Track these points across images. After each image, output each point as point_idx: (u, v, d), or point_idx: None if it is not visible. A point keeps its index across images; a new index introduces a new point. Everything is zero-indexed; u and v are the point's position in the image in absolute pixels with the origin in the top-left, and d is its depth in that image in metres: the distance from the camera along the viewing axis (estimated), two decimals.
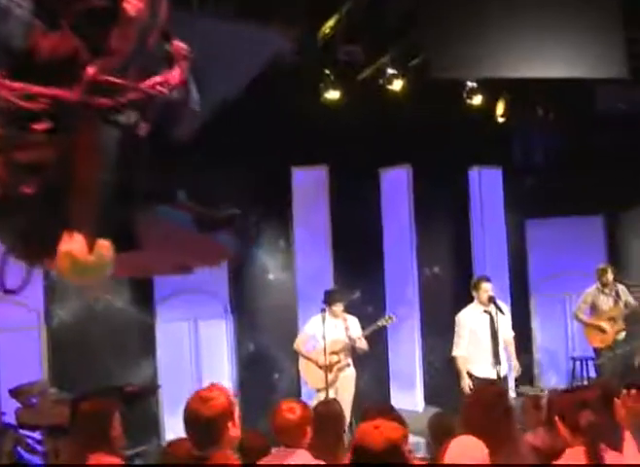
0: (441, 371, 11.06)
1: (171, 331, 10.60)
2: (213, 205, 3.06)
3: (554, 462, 3.99)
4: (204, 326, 10.91)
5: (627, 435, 3.65)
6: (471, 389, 8.47)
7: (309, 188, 11.03)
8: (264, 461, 4.60)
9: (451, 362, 9.35)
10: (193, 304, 10.74)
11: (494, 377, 8.76)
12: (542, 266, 12.58)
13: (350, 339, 9.32)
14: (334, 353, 9.28)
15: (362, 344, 9.46)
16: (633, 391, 3.64)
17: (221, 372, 10.97)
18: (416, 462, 4.44)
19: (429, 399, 11.12)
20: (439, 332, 10.71)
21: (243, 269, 11.17)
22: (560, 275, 12.35)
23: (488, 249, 11.71)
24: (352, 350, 9.46)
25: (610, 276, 10.60)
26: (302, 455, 4.49)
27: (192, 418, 3.66)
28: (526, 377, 11.86)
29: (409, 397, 11.00)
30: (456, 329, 9.20)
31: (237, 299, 11.14)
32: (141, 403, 9.07)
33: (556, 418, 4.03)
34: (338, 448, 5.12)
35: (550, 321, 12.60)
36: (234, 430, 3.69)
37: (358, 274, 11.34)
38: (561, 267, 12.37)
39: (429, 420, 5.98)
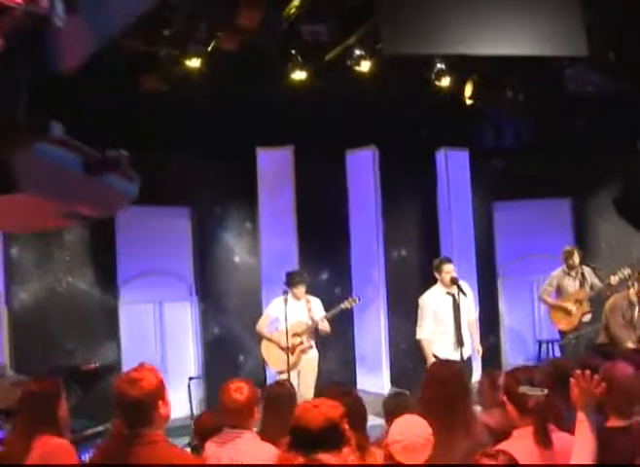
0: (407, 353, 11.05)
1: (135, 313, 10.56)
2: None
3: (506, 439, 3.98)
4: (169, 308, 10.88)
5: (581, 416, 3.62)
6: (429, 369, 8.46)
7: (274, 169, 10.95)
8: (210, 442, 4.54)
9: (417, 344, 9.34)
10: (157, 286, 10.72)
11: (458, 358, 8.75)
12: (509, 248, 12.58)
13: (313, 320, 9.27)
14: (296, 335, 9.23)
15: (324, 326, 9.41)
16: (587, 371, 3.60)
17: (186, 354, 10.95)
18: (372, 444, 4.41)
19: (395, 381, 11.09)
20: (405, 314, 10.67)
21: (209, 252, 11.12)
22: (527, 258, 12.36)
23: (455, 231, 11.67)
24: (315, 332, 9.41)
25: (576, 259, 10.60)
26: (251, 437, 4.44)
27: (121, 400, 3.66)
28: (493, 359, 11.91)
29: (375, 379, 10.98)
30: (419, 312, 9.18)
31: (203, 281, 11.10)
32: (101, 381, 8.98)
33: (504, 398, 4.01)
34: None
35: (516, 304, 12.61)
36: (165, 409, 3.69)
37: (324, 256, 11.32)
38: (528, 249, 12.38)
39: (384, 400, 5.96)
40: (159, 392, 3.67)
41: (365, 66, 10.05)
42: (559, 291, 10.64)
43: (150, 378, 3.65)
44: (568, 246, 10.96)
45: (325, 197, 11.06)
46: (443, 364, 5.27)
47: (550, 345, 11.34)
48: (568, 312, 10.44)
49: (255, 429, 4.66)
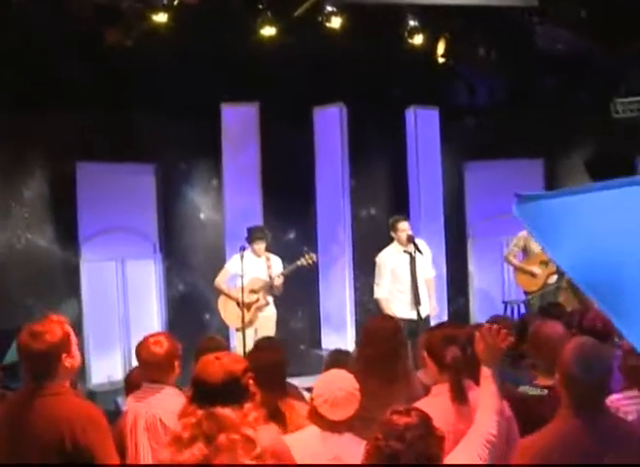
0: (373, 311, 10.93)
1: (97, 271, 10.41)
2: None
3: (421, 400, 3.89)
4: (132, 266, 10.73)
5: (485, 371, 3.53)
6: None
7: (239, 126, 10.76)
8: (130, 397, 4.42)
9: (375, 303, 9.27)
10: (120, 243, 10.57)
11: (415, 317, 8.68)
12: (479, 209, 12.48)
13: (270, 278, 9.15)
14: (253, 292, 9.12)
15: (278, 283, 9.31)
16: (494, 326, 3.52)
17: (149, 312, 10.84)
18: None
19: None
20: (371, 273, 10.58)
21: (173, 209, 10.97)
22: (497, 218, 12.22)
23: (424, 191, 11.54)
24: (274, 289, 9.31)
25: None
26: (171, 392, 4.33)
27: (24, 353, 3.62)
28: (461, 320, 11.86)
29: (341, 338, 10.90)
30: (377, 270, 9.11)
31: (167, 238, 10.97)
32: None
33: (425, 354, 3.92)
34: None
35: (486, 264, 12.54)
36: (70, 361, 3.64)
37: (289, 214, 11.19)
38: (499, 210, 12.22)
39: (325, 358, 5.90)
40: (63, 345, 3.61)
41: (335, 22, 9.86)
42: (525, 252, 10.55)
43: (54, 331, 3.59)
44: None
45: (291, 155, 10.88)
46: (380, 320, 5.15)
47: (516, 306, 11.25)
48: (533, 274, 10.35)
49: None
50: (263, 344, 5.03)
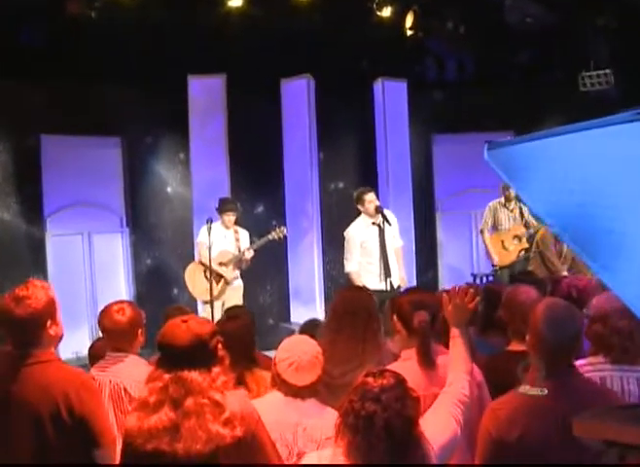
0: (342, 285, 10.93)
1: (63, 245, 10.28)
2: None
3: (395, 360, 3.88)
4: (99, 240, 10.62)
5: (454, 331, 3.53)
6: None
7: (206, 98, 10.65)
8: (94, 367, 4.37)
9: (346, 277, 9.24)
10: (86, 217, 10.46)
11: (385, 288, 8.67)
12: (447, 182, 12.50)
13: (239, 251, 9.10)
14: (222, 265, 9.06)
15: (249, 257, 9.26)
16: (462, 286, 3.51)
17: (117, 287, 10.74)
18: None
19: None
20: (340, 246, 10.55)
21: (140, 182, 10.87)
22: (466, 192, 12.28)
23: (392, 164, 11.52)
24: (241, 263, 9.25)
25: (513, 192, 10.54)
26: (135, 361, 4.27)
27: (6, 319, 3.49)
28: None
29: (310, 311, 10.81)
30: (345, 245, 9.07)
31: (134, 212, 10.87)
32: None
33: (395, 318, 3.90)
34: None
35: (454, 238, 12.57)
36: (55, 329, 3.55)
37: (257, 188, 11.13)
38: (467, 184, 12.29)
39: (300, 328, 5.87)
40: (48, 311, 3.51)
41: None
42: (494, 224, 10.59)
43: (38, 296, 3.48)
44: None
45: (258, 127, 10.80)
46: (352, 290, 5.11)
47: (485, 279, 11.28)
48: (505, 248, 10.41)
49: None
50: (231, 313, 4.98)
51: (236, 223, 9.37)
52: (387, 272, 8.74)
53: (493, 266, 10.60)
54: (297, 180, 11.18)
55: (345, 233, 9.09)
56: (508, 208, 10.58)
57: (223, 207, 9.24)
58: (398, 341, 4.02)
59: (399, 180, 11.53)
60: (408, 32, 11.23)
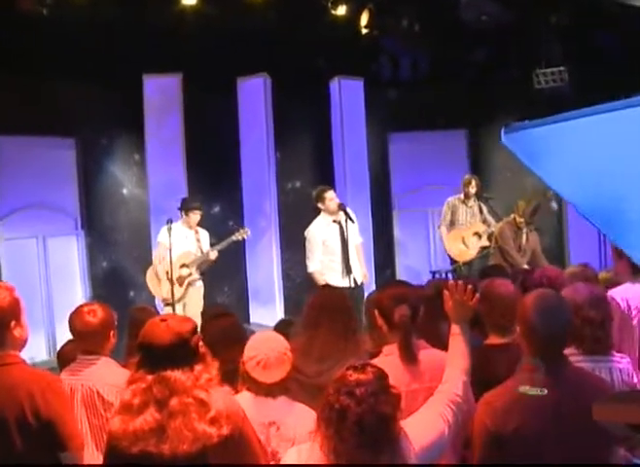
0: (301, 285, 10.91)
1: (17, 249, 10.03)
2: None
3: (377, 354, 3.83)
4: (53, 243, 10.40)
5: (455, 328, 3.49)
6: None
7: (162, 97, 10.50)
8: (64, 372, 4.24)
9: (309, 277, 9.18)
10: (40, 220, 10.22)
11: (347, 285, 8.65)
12: (404, 180, 12.52)
13: (202, 252, 8.98)
14: (184, 266, 8.94)
15: (213, 257, 9.15)
16: (461, 282, 3.48)
17: (73, 290, 10.55)
18: None
19: (289, 313, 10.95)
20: (299, 246, 10.48)
21: (95, 184, 10.68)
22: (423, 190, 12.32)
23: (349, 163, 11.50)
24: (202, 264, 9.14)
25: (473, 188, 10.59)
26: (107, 363, 4.17)
27: None
28: None
29: (269, 312, 10.80)
30: (307, 245, 9.03)
31: (89, 214, 10.67)
32: None
33: (376, 313, 3.85)
34: None
35: (412, 236, 12.59)
36: (20, 331, 3.47)
37: (214, 188, 11.02)
38: (424, 181, 12.34)
39: (275, 325, 5.81)
40: (12, 312, 3.42)
41: None
42: (452, 220, 10.62)
43: (2, 296, 3.39)
44: (468, 175, 10.95)
45: (215, 127, 10.70)
46: (327, 289, 5.04)
47: (444, 276, 11.29)
48: (466, 245, 10.44)
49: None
50: (216, 312, 4.88)
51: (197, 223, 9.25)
52: (349, 269, 8.72)
53: (453, 262, 10.63)
54: (254, 179, 11.10)
55: (306, 233, 9.04)
56: (467, 205, 10.63)
57: (189, 206, 9.12)
58: (377, 338, 3.97)
59: (356, 178, 11.51)
60: (364, 31, 11.21)
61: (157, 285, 9.05)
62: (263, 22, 10.29)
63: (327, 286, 5.76)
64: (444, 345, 3.66)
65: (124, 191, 10.87)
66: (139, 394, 2.95)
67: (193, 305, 8.85)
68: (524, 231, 9.71)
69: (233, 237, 9.23)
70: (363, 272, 9.17)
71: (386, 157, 12.47)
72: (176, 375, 2.95)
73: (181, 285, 8.89)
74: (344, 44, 11.08)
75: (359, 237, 9.33)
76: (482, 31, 11.37)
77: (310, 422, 3.60)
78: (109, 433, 3.01)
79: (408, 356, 3.65)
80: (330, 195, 8.88)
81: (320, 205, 8.95)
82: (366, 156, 11.76)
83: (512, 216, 9.84)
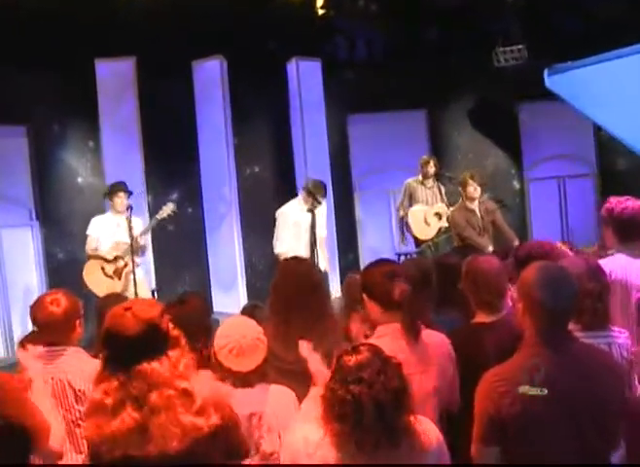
0: (263, 272, 10.72)
1: None
2: None
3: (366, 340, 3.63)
4: (7, 235, 10.07)
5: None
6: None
7: (115, 82, 10.19)
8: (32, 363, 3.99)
9: (275, 260, 8.96)
10: None
11: None
12: (364, 162, 12.36)
13: (133, 239, 8.41)
14: (119, 258, 8.63)
15: (143, 243, 8.78)
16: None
17: (28, 282, 10.25)
18: None
19: (252, 301, 10.76)
20: (260, 232, 10.34)
21: (49, 173, 10.37)
22: (383, 171, 12.16)
23: (309, 145, 11.29)
24: (139, 250, 8.70)
25: (432, 168, 10.48)
26: (76, 353, 3.94)
27: None
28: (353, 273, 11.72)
29: (232, 299, 10.59)
30: (277, 225, 8.87)
31: (43, 205, 10.36)
32: None
33: (364, 295, 3.65)
34: None
35: (373, 217, 12.45)
36: None
37: (172, 175, 10.79)
38: (384, 162, 12.19)
39: (241, 311, 5.63)
40: None
41: None
42: (411, 201, 10.49)
43: None
44: (426, 155, 10.84)
45: (171, 111, 10.39)
46: (293, 260, 4.77)
47: (408, 257, 11.16)
48: (427, 223, 10.33)
49: None
50: (181, 297, 4.65)
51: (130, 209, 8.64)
52: (314, 256, 8.57)
53: (418, 244, 10.49)
54: (213, 165, 10.87)
55: (277, 213, 8.89)
56: (426, 186, 10.50)
57: (112, 189, 8.82)
58: (364, 318, 3.79)
59: (316, 161, 11.31)
60: (320, 11, 11.02)
61: (95, 282, 8.68)
62: (217, 3, 10.04)
63: (291, 258, 5.52)
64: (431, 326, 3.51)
65: (80, 179, 10.56)
66: (112, 393, 2.69)
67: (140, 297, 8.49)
68: (476, 209, 9.48)
69: (157, 216, 8.85)
70: (325, 265, 9.02)
71: (346, 138, 12.29)
72: (153, 366, 2.70)
73: (120, 278, 8.58)
74: (300, 24, 10.87)
75: (324, 231, 9.16)
76: (439, 10, 11.26)
77: (291, 406, 3.44)
78: (86, 438, 2.78)
79: (414, 335, 3.47)
80: (322, 197, 8.81)
81: (303, 194, 8.77)
82: (326, 138, 11.56)
83: (459, 201, 9.66)
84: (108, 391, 2.70)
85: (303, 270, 4.28)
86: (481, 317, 3.88)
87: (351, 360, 2.66)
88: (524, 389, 2.88)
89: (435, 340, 3.57)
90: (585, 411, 2.84)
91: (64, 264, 10.32)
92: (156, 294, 9.94)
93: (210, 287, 11.10)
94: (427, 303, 3.98)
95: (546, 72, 2.07)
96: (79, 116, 10.37)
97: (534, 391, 2.86)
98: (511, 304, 3.79)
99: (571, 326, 3.36)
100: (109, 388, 2.70)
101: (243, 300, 10.64)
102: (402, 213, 10.61)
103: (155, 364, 2.71)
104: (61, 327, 3.92)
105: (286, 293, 4.09)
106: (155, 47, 9.96)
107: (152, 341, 2.73)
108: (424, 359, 3.45)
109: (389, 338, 3.47)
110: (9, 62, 9.37)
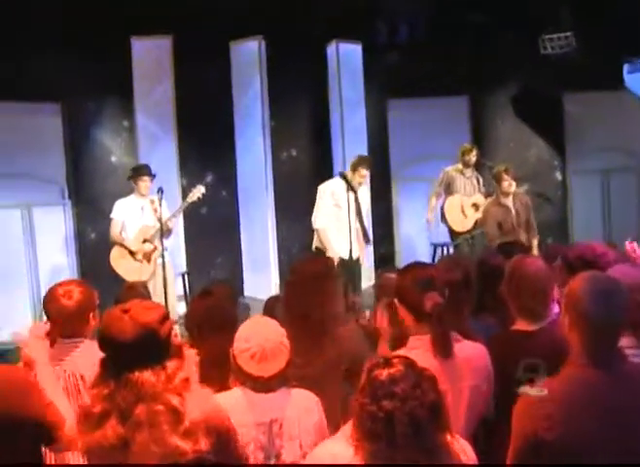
0: (297, 256, 10.51)
1: (2, 219, 9.65)
2: None
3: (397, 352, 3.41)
4: (39, 213, 10.00)
5: None
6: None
7: (151, 61, 10.02)
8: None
9: (316, 235, 8.71)
10: (25, 189, 9.84)
11: (346, 256, 8.28)
12: (403, 149, 12.08)
13: (160, 222, 8.13)
14: (147, 241, 8.44)
15: (171, 227, 8.60)
16: None
17: (60, 262, 10.18)
18: None
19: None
20: (295, 216, 10.17)
21: (82, 152, 10.24)
22: (422, 159, 11.86)
23: (347, 130, 11.06)
24: (166, 234, 8.45)
25: (473, 157, 10.17)
26: (90, 346, 3.74)
27: None
28: (387, 263, 11.52)
29: (265, 284, 10.44)
30: (317, 200, 8.63)
31: (76, 183, 10.26)
32: None
33: (396, 301, 3.42)
34: None
35: (411, 206, 12.19)
36: None
37: (207, 157, 10.62)
38: (423, 150, 11.89)
39: (265, 303, 5.43)
40: None
41: None
42: (449, 190, 10.19)
43: None
44: (467, 143, 10.54)
45: (207, 92, 10.19)
46: (309, 261, 4.54)
47: (444, 249, 10.90)
48: (464, 214, 10.04)
49: None
50: (209, 289, 4.46)
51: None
52: (351, 240, 8.36)
53: (453, 237, 10.20)
54: (248, 147, 10.67)
55: (319, 188, 8.68)
56: (465, 175, 10.20)
57: (136, 172, 8.66)
58: (398, 330, 3.56)
59: (354, 146, 11.08)
60: None
61: (123, 267, 8.51)
62: None
63: (310, 257, 5.23)
64: (470, 338, 3.27)
65: (113, 158, 10.42)
66: (100, 401, 2.49)
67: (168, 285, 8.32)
68: (511, 205, 9.12)
69: (188, 199, 8.67)
70: (362, 255, 8.81)
71: (385, 124, 12.02)
72: (144, 376, 2.47)
73: (149, 262, 8.41)
74: (342, 6, 10.60)
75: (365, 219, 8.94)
76: None
77: (314, 412, 3.23)
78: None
79: (444, 351, 3.22)
80: (363, 172, 8.58)
81: (348, 173, 8.56)
82: (364, 123, 11.32)
83: (497, 196, 9.29)
84: (97, 398, 2.51)
85: (316, 280, 4.05)
86: (522, 325, 3.60)
87: (383, 374, 2.45)
88: (524, 390, 2.65)
89: (470, 353, 3.33)
90: (635, 438, 2.59)
91: (95, 244, 10.20)
92: (186, 277, 9.81)
93: (242, 271, 10.96)
94: (466, 307, 3.73)
95: (625, 68, 1.86)
96: (114, 95, 10.22)
97: (534, 391, 2.63)
98: (557, 310, 3.52)
99: (625, 341, 3.07)
100: (99, 395, 2.51)
101: (275, 284, 10.49)
102: (433, 203, 10.32)
103: (147, 374, 2.49)
104: (73, 321, 3.74)
105: (297, 303, 3.89)
106: (192, 26, 9.78)
107: (147, 348, 2.51)
108: (456, 375, 3.22)
109: (421, 351, 3.24)
110: (45, 40, 9.24)
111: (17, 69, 9.28)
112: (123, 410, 2.45)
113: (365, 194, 8.86)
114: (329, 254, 8.24)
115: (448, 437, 2.49)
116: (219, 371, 3.23)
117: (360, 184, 8.61)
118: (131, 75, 9.96)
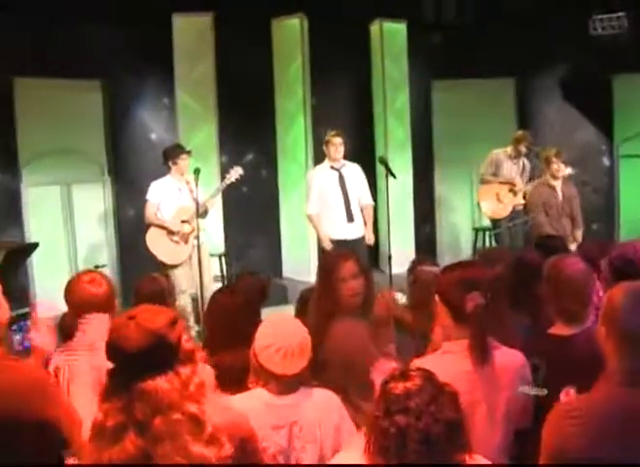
0: None
1: (41, 196, 9.65)
2: None
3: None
4: (79, 190, 9.99)
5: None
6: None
7: (192, 38, 9.89)
8: (59, 352, 3.73)
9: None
10: (65, 166, 9.84)
11: (345, 237, 8.29)
12: (447, 131, 11.85)
13: (198, 203, 7.97)
14: (185, 222, 8.36)
15: (211, 208, 8.58)
16: None
17: (98, 239, 10.19)
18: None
19: None
20: None
21: (122, 128, 10.19)
22: (466, 141, 11.62)
23: (390, 110, 10.87)
24: (203, 215, 8.39)
25: (524, 147, 9.78)
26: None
27: None
28: (427, 246, 11.37)
29: (302, 266, 10.35)
30: (307, 188, 8.74)
31: (116, 160, 10.22)
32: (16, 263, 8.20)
33: (437, 299, 3.27)
34: None
35: (454, 190, 12.00)
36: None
37: (247, 135, 10.51)
38: (468, 132, 11.66)
39: (301, 292, 5.34)
40: None
41: None
42: (495, 173, 9.92)
43: None
44: (521, 131, 10.13)
45: (248, 70, 10.04)
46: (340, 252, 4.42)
47: (486, 234, 10.68)
48: (501, 201, 9.74)
49: None
50: (235, 282, 4.37)
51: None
52: (350, 216, 8.25)
53: (495, 225, 9.93)
54: (289, 126, 10.54)
55: (307, 175, 8.86)
56: (513, 161, 9.88)
57: (175, 152, 8.52)
58: (438, 332, 3.42)
59: (396, 127, 10.92)
60: None
61: (160, 249, 8.36)
62: None
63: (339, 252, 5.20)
64: (508, 341, 3.12)
65: (153, 136, 10.35)
66: (113, 415, 2.36)
67: (204, 260, 8.24)
68: (558, 187, 8.90)
69: (226, 181, 8.56)
70: (368, 236, 8.62)
71: (429, 105, 11.80)
72: (159, 384, 2.35)
73: (187, 243, 8.34)
74: None
75: (367, 199, 8.73)
76: None
77: (335, 412, 3.13)
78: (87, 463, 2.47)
79: (482, 356, 3.07)
80: (334, 140, 8.57)
81: (324, 148, 8.68)
82: (407, 104, 11.11)
83: (546, 176, 9.04)
84: (109, 412, 2.38)
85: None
86: (560, 328, 3.43)
87: (398, 387, 2.31)
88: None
89: (509, 360, 3.18)
90: None
91: (134, 221, 10.12)
92: (223, 258, 9.74)
93: (281, 253, 10.87)
94: (506, 311, 3.57)
95: None
96: (155, 71, 10.12)
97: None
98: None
99: None
100: (111, 408, 2.38)
101: (314, 266, 10.36)
102: (487, 180, 10.02)
103: (161, 382, 2.36)
104: (102, 308, 3.66)
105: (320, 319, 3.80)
106: (234, 3, 9.65)
107: (158, 356, 2.38)
108: (493, 383, 3.07)
109: (455, 356, 3.11)
110: (86, 17, 9.16)
111: (58, 46, 9.24)
112: (140, 422, 2.33)
113: (354, 170, 8.68)
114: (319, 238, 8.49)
115: (467, 457, 2.35)
116: (235, 377, 3.14)
117: (337, 156, 8.55)
118: (172, 52, 9.85)
